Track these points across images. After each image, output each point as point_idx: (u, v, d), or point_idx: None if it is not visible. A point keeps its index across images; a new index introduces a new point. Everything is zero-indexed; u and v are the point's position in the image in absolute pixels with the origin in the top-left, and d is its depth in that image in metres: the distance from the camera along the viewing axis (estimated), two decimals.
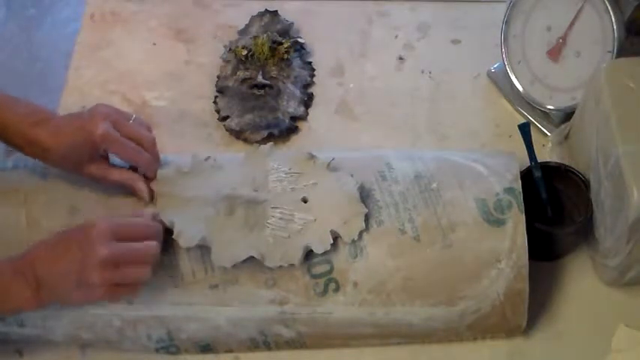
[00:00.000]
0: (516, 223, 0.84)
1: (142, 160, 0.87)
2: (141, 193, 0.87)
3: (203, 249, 0.84)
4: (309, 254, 0.84)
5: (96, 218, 0.78)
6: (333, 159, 0.89)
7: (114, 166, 0.88)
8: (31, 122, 0.85)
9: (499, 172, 0.88)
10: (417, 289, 0.84)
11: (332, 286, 0.84)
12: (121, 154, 0.86)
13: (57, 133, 0.85)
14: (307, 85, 1.09)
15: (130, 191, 0.88)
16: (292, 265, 0.83)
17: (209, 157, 0.90)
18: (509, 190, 0.86)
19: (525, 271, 0.83)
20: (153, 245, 0.79)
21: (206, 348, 0.86)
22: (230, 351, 0.87)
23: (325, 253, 0.83)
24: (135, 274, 0.78)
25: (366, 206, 0.85)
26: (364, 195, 0.86)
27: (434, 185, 0.87)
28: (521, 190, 0.86)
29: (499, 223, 0.85)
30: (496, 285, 0.83)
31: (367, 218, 0.85)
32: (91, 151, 0.85)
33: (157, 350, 0.86)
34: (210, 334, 0.85)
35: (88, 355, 0.87)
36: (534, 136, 0.92)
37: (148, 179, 0.88)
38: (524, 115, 1.05)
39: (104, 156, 0.88)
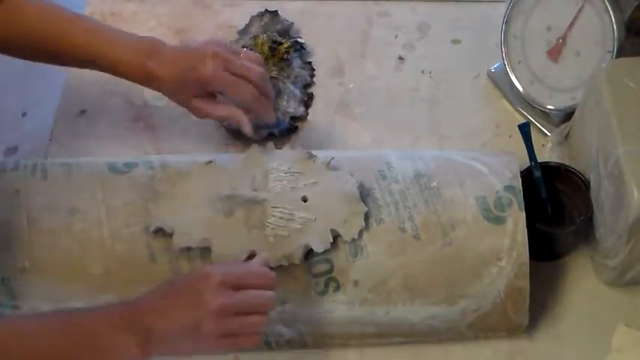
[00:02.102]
0: (516, 221, 0.84)
1: (250, 99, 0.90)
2: (245, 131, 0.91)
3: (203, 249, 0.84)
4: (309, 253, 0.84)
5: (207, 266, 0.76)
6: (332, 158, 0.89)
7: (220, 102, 0.92)
8: (144, 54, 0.89)
9: (499, 170, 0.88)
10: (418, 287, 0.84)
11: (332, 285, 0.84)
12: (229, 95, 0.90)
13: (168, 65, 0.89)
14: (307, 85, 1.09)
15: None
16: (292, 264, 0.83)
17: (211, 162, 0.90)
18: (509, 188, 0.86)
19: (526, 268, 0.83)
20: (268, 295, 0.76)
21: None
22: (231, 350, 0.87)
23: (325, 252, 0.83)
24: (251, 323, 0.75)
25: (366, 205, 0.85)
26: (364, 194, 0.86)
27: (434, 184, 0.87)
28: (521, 187, 0.86)
29: (499, 220, 0.85)
30: (497, 283, 0.83)
31: (367, 217, 0.85)
32: (198, 87, 0.89)
33: None
34: None
35: None
36: (534, 136, 0.92)
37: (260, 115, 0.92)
38: (524, 115, 1.05)
39: (211, 92, 0.91)
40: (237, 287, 0.75)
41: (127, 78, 0.92)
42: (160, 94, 1.03)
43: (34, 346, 0.71)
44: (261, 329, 0.76)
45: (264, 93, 0.92)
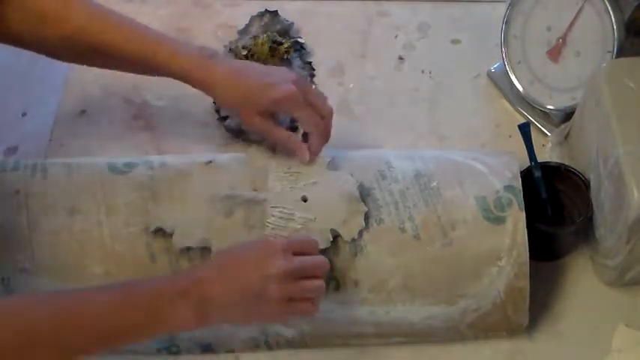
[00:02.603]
0: (516, 221, 0.84)
1: (318, 129, 0.88)
2: (303, 159, 0.88)
3: (203, 249, 0.84)
4: None
5: (265, 238, 0.79)
6: (332, 158, 0.89)
7: (279, 125, 0.90)
8: (205, 55, 0.89)
9: (499, 170, 0.88)
10: (418, 287, 0.84)
11: (332, 284, 0.84)
12: (301, 118, 0.88)
13: (232, 71, 0.88)
14: None
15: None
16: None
17: (210, 162, 0.90)
18: (509, 188, 0.86)
19: (526, 268, 0.83)
20: (323, 259, 0.79)
21: (207, 348, 0.86)
22: (231, 351, 0.87)
23: (325, 251, 0.83)
24: (313, 286, 0.77)
25: (365, 205, 0.85)
26: (364, 194, 0.86)
27: (434, 184, 0.87)
28: (521, 187, 0.86)
29: (499, 220, 0.85)
30: (497, 283, 0.83)
31: (367, 217, 0.85)
32: (264, 105, 0.87)
33: (158, 350, 0.86)
34: (211, 333, 0.85)
35: (88, 357, 0.86)
36: (534, 136, 0.92)
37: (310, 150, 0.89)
38: (524, 115, 1.05)
39: (271, 113, 0.89)
40: (297, 254, 0.77)
41: (177, 77, 0.90)
42: (160, 94, 1.04)
43: (97, 313, 0.72)
44: (320, 295, 0.78)
45: (328, 129, 0.91)
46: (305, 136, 0.90)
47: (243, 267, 0.76)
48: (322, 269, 0.78)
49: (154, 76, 0.93)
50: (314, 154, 0.89)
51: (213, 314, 0.75)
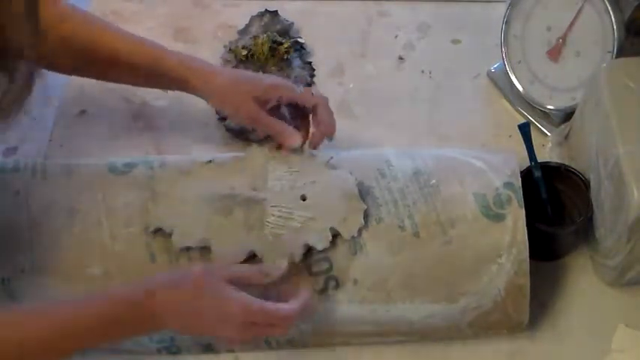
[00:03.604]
0: (516, 218, 0.84)
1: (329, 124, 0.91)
2: (291, 143, 0.89)
3: (203, 249, 0.84)
4: (308, 252, 0.84)
5: (233, 296, 0.76)
6: (332, 157, 0.89)
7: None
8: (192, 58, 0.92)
9: (498, 167, 0.88)
10: (418, 285, 0.84)
11: (332, 283, 0.84)
12: (318, 110, 0.90)
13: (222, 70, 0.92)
14: (307, 85, 1.09)
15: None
16: (292, 263, 0.83)
17: (210, 161, 0.90)
18: (508, 185, 0.86)
19: (526, 265, 0.83)
20: (286, 331, 0.79)
21: (207, 347, 0.86)
22: (231, 350, 0.87)
23: (325, 250, 0.83)
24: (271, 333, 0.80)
25: (365, 203, 0.85)
26: (363, 192, 0.86)
27: (433, 181, 0.87)
28: (520, 184, 0.86)
29: (499, 218, 0.84)
30: (497, 280, 0.83)
31: (366, 215, 0.85)
32: (260, 88, 0.89)
33: (159, 350, 0.86)
34: None
35: (89, 356, 0.86)
36: (534, 136, 0.92)
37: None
38: (524, 115, 1.05)
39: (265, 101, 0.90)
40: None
41: (171, 80, 0.93)
42: (160, 94, 1.03)
43: (59, 326, 0.74)
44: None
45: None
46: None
47: (202, 318, 0.76)
48: (284, 321, 0.78)
49: (149, 85, 0.95)
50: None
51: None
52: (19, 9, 0.63)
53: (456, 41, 1.15)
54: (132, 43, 0.92)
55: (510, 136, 1.03)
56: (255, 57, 1.09)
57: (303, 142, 0.90)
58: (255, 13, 1.16)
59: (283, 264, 0.81)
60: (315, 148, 0.91)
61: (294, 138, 0.89)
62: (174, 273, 0.80)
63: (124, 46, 0.91)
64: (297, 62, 1.10)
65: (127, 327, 0.76)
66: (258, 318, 0.76)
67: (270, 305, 0.76)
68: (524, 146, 0.91)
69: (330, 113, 0.92)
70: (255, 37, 1.11)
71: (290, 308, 0.77)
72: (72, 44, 0.91)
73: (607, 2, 0.92)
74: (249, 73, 0.94)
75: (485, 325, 0.85)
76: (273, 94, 0.90)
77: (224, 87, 0.91)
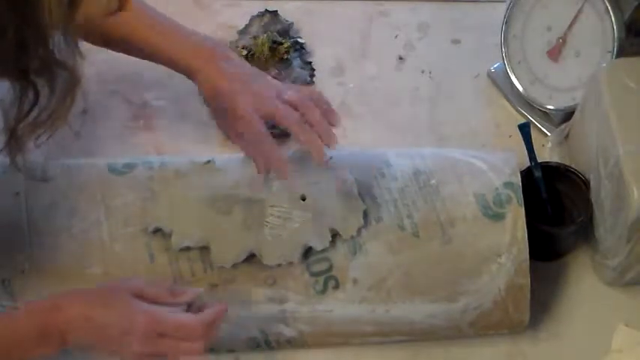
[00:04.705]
0: (516, 217, 0.84)
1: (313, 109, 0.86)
2: (284, 174, 0.85)
3: (202, 249, 0.84)
4: (308, 252, 0.84)
5: (136, 306, 0.73)
6: (331, 157, 0.89)
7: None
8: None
9: (498, 166, 0.88)
10: (417, 285, 0.84)
11: (331, 283, 0.84)
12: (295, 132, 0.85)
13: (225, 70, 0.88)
14: (307, 85, 1.09)
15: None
16: (291, 263, 0.83)
17: (209, 161, 0.90)
18: (508, 185, 0.86)
19: (526, 265, 0.83)
20: (196, 348, 0.74)
21: (208, 348, 0.86)
22: (232, 350, 0.87)
23: (324, 250, 0.83)
24: (179, 348, 0.74)
25: (364, 203, 0.85)
26: (363, 192, 0.86)
27: (433, 181, 0.87)
28: (520, 183, 0.86)
29: (498, 217, 0.84)
30: (497, 280, 0.83)
31: (366, 215, 0.85)
32: (230, 125, 0.87)
33: None
34: None
35: (89, 357, 0.87)
36: (534, 136, 0.92)
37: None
38: (524, 115, 1.05)
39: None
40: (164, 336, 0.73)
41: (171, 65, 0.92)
42: (160, 94, 1.03)
43: None
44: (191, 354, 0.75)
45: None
46: None
47: (104, 331, 0.72)
48: (191, 332, 0.74)
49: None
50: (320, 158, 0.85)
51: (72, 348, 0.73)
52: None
53: (455, 41, 1.15)
54: (163, 40, 0.91)
55: (510, 136, 1.03)
56: (255, 57, 1.09)
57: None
58: (255, 13, 1.15)
59: (199, 290, 0.78)
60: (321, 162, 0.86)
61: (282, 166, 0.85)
62: (87, 289, 0.77)
63: (156, 42, 0.90)
64: (297, 62, 1.10)
65: (32, 344, 0.72)
66: (162, 328, 0.73)
67: (175, 315, 0.73)
68: (524, 146, 0.91)
69: (319, 129, 0.86)
70: (255, 37, 1.11)
71: (197, 319, 0.74)
72: (109, 39, 0.91)
73: (607, 2, 0.92)
74: (255, 78, 0.89)
75: (485, 325, 0.85)
76: (241, 127, 0.86)
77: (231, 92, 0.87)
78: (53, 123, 0.68)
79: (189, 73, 0.91)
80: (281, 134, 1.03)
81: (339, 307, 0.84)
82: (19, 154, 0.70)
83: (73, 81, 0.66)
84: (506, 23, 1.03)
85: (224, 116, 0.88)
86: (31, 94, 0.65)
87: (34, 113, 0.66)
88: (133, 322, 0.72)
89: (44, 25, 0.60)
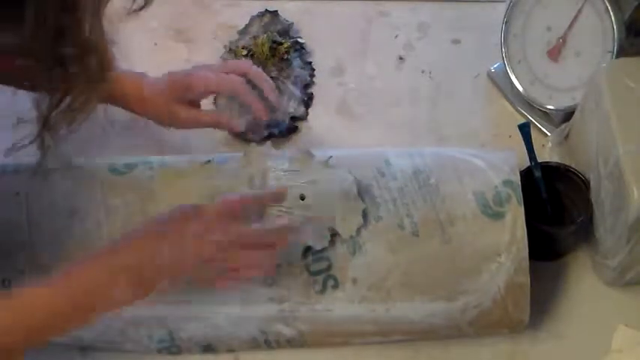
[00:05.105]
0: (515, 216, 0.84)
1: (239, 89, 0.93)
2: (235, 127, 0.94)
3: None
4: (307, 251, 0.84)
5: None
6: (331, 156, 0.89)
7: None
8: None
9: (497, 165, 0.88)
10: (417, 284, 0.84)
11: (331, 282, 0.84)
12: (217, 89, 0.93)
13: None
14: (307, 85, 1.09)
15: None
16: (291, 262, 0.83)
17: (209, 161, 0.90)
18: (507, 183, 0.86)
19: (526, 263, 0.83)
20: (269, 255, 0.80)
21: (207, 348, 0.86)
22: (232, 350, 0.87)
23: (323, 249, 0.83)
24: (255, 258, 0.79)
25: (364, 202, 0.85)
26: (362, 191, 0.86)
27: (432, 180, 0.87)
28: (519, 182, 0.86)
29: (498, 216, 0.84)
30: (497, 279, 0.83)
31: (365, 214, 0.85)
32: (184, 90, 0.90)
33: (159, 351, 0.86)
34: (211, 333, 0.85)
35: (89, 358, 0.87)
36: (534, 136, 0.92)
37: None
38: (524, 115, 1.05)
39: (193, 102, 0.92)
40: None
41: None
42: None
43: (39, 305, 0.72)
44: (267, 263, 0.80)
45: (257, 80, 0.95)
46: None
47: (181, 238, 0.75)
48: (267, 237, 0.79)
49: None
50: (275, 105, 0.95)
51: (151, 286, 0.75)
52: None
53: (455, 41, 1.15)
54: None
55: (510, 136, 1.03)
56: (255, 57, 1.09)
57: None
58: (255, 13, 1.15)
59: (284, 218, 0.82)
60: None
61: (235, 125, 0.94)
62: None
63: None
64: (297, 62, 1.10)
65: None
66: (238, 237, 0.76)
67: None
68: (524, 146, 0.91)
69: (253, 97, 0.94)
70: (255, 37, 1.11)
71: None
72: None
73: (607, 2, 0.92)
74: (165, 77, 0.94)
75: (485, 324, 0.85)
76: (193, 87, 0.92)
77: (147, 97, 0.92)
78: (86, 109, 0.68)
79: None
80: (281, 134, 1.04)
81: (338, 307, 0.84)
82: (51, 144, 0.70)
83: (104, 66, 0.67)
84: (506, 23, 1.03)
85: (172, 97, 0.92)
86: (63, 81, 0.65)
87: (66, 101, 0.66)
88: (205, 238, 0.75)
89: (81, 10, 0.61)
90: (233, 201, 0.79)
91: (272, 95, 0.98)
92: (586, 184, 0.91)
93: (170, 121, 0.95)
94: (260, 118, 0.97)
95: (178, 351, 0.86)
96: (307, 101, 1.08)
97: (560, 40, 0.99)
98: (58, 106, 0.66)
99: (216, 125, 0.97)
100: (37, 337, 0.73)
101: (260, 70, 0.98)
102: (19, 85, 0.77)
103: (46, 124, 0.68)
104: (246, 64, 0.97)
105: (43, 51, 0.62)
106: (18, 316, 0.71)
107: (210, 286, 0.80)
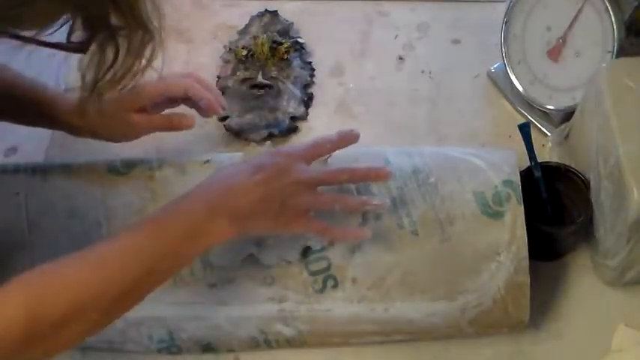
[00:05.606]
0: (515, 216, 0.84)
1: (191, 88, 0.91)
2: (189, 121, 0.92)
3: None
4: (306, 251, 0.84)
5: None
6: (330, 156, 0.89)
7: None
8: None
9: (497, 165, 0.88)
10: (417, 284, 0.84)
11: (330, 282, 0.84)
12: (170, 91, 0.90)
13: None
14: (307, 85, 1.09)
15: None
16: (290, 262, 0.83)
17: (208, 161, 0.90)
18: (507, 183, 0.86)
19: (525, 263, 0.83)
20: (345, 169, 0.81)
21: (208, 348, 0.86)
22: (232, 350, 0.87)
23: (323, 249, 0.83)
24: (331, 198, 0.80)
25: None
26: (361, 190, 0.86)
27: (432, 179, 0.87)
28: (519, 182, 0.86)
29: (498, 215, 0.84)
30: (496, 278, 0.83)
31: (365, 214, 0.85)
32: (129, 101, 0.88)
33: (159, 351, 0.86)
34: (211, 333, 0.85)
35: (89, 358, 0.87)
36: (534, 136, 0.92)
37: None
38: (524, 115, 1.05)
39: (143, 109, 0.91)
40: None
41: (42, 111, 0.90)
42: None
43: (136, 251, 0.71)
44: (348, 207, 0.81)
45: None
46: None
47: (265, 179, 0.76)
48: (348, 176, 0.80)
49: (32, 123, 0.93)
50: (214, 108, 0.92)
51: (244, 223, 0.75)
52: None
53: (456, 41, 1.15)
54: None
55: (510, 136, 1.03)
56: (255, 57, 1.09)
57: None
58: (255, 13, 1.16)
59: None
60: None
61: (188, 122, 0.92)
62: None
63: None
64: (297, 62, 1.10)
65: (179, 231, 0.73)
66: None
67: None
68: (524, 146, 0.91)
69: (205, 91, 0.92)
70: (255, 37, 1.11)
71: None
72: None
73: (607, 2, 0.92)
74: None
75: (485, 324, 0.85)
76: (143, 99, 0.90)
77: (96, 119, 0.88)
78: (129, 79, 0.69)
79: None
80: (281, 134, 1.04)
81: (338, 307, 0.84)
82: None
83: (148, 38, 0.68)
84: (506, 23, 1.03)
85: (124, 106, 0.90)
86: (111, 53, 0.66)
87: (112, 71, 0.67)
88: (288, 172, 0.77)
89: None
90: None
91: (220, 99, 0.96)
92: (586, 184, 0.90)
93: (123, 130, 0.91)
94: (217, 113, 0.95)
95: (178, 351, 0.86)
96: (307, 101, 1.08)
97: (560, 40, 0.99)
98: (104, 77, 0.68)
99: (169, 126, 0.93)
100: (125, 299, 0.71)
101: (200, 80, 0.94)
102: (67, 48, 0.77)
103: (94, 89, 0.69)
104: (188, 81, 0.93)
105: (101, 20, 0.63)
106: (99, 271, 0.69)
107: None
